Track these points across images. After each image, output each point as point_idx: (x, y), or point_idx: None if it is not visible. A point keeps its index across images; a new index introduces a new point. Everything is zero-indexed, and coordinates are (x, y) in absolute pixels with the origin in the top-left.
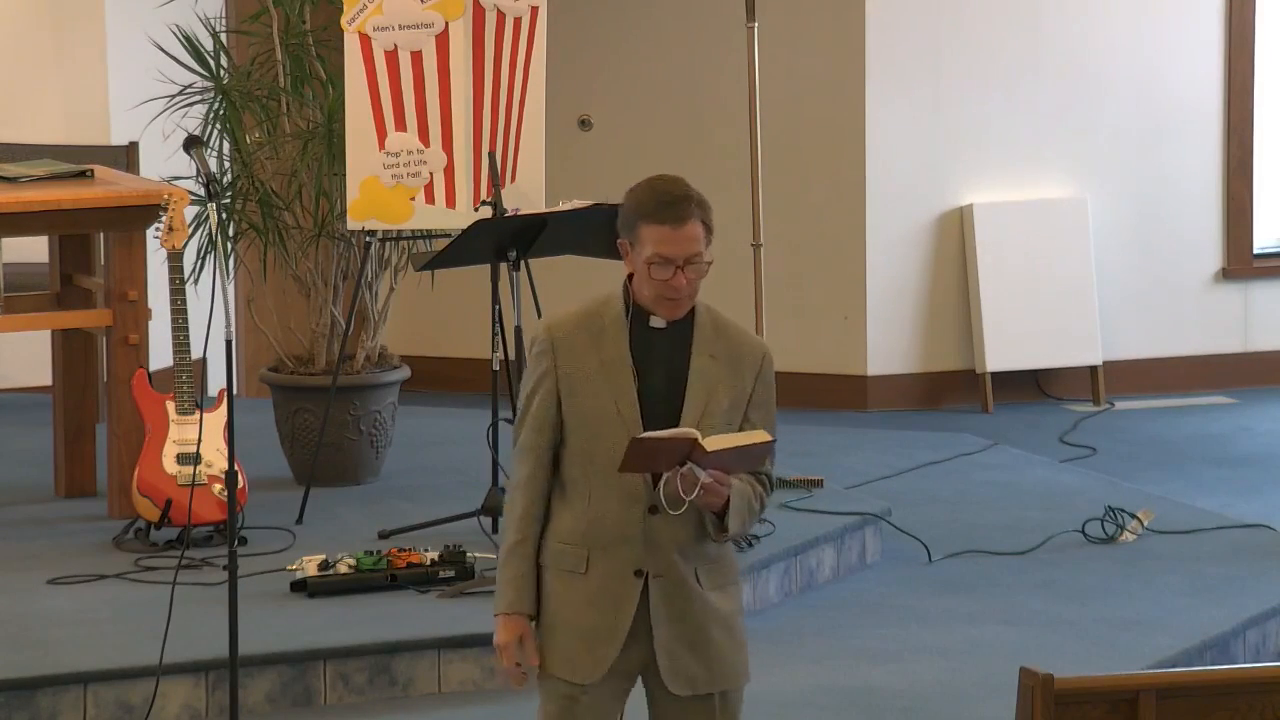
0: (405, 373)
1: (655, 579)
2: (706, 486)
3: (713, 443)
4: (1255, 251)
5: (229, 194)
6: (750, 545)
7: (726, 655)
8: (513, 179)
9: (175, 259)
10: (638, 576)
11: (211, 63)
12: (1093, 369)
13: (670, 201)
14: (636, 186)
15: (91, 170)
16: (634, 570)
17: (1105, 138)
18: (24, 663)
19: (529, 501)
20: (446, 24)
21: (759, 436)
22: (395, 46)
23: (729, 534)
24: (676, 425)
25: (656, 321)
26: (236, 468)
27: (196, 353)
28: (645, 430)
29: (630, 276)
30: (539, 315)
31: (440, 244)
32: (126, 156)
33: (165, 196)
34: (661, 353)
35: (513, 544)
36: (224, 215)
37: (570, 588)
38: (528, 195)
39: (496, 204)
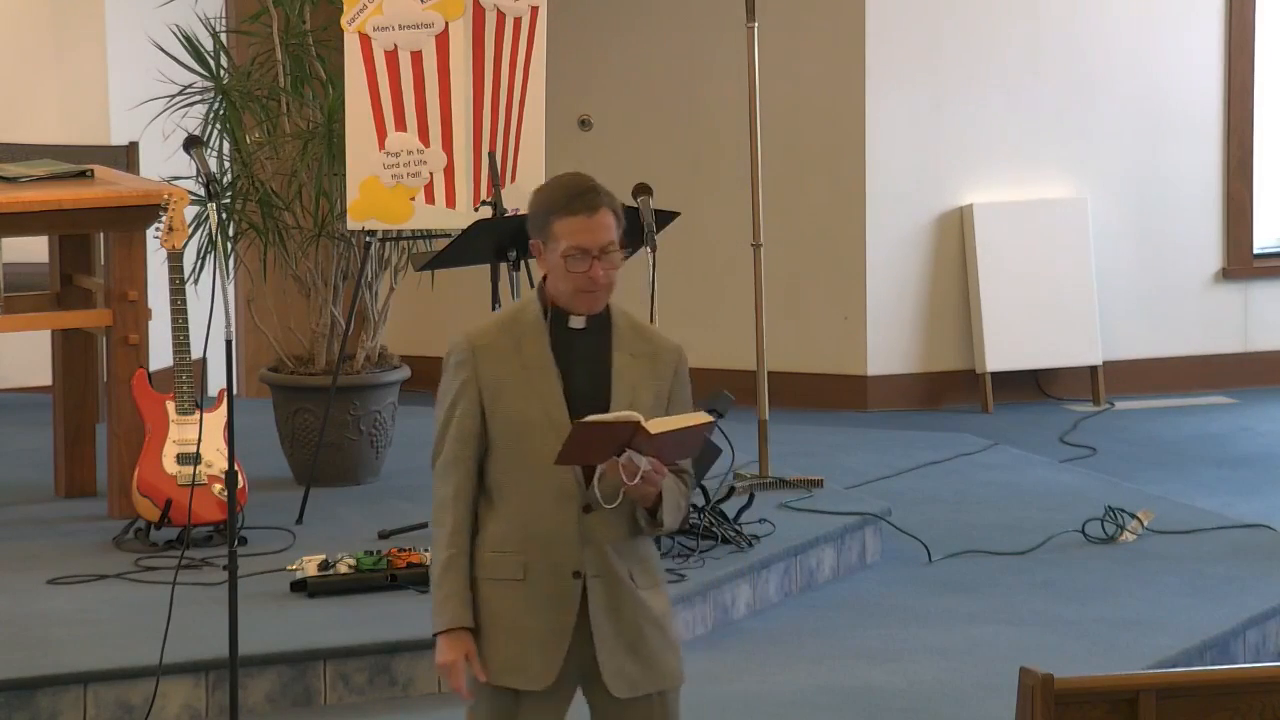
0: (405, 373)
1: (593, 579)
2: (646, 475)
3: (656, 425)
4: (1255, 251)
5: (229, 194)
6: (750, 545)
7: (661, 655)
8: (513, 179)
9: (175, 259)
10: (576, 578)
11: (211, 63)
12: (1093, 369)
13: (580, 193)
14: (542, 186)
15: (91, 170)
16: (572, 572)
17: (1105, 138)
18: (24, 663)
19: (459, 516)
20: (446, 24)
21: (700, 418)
22: (395, 46)
23: (663, 528)
24: None
25: (576, 322)
26: (236, 468)
27: (196, 353)
28: None
29: (544, 280)
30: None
31: (440, 244)
32: (126, 156)
33: (165, 196)
34: (583, 353)
35: (447, 560)
36: (224, 215)
37: (510, 595)
38: (528, 195)
39: (496, 204)
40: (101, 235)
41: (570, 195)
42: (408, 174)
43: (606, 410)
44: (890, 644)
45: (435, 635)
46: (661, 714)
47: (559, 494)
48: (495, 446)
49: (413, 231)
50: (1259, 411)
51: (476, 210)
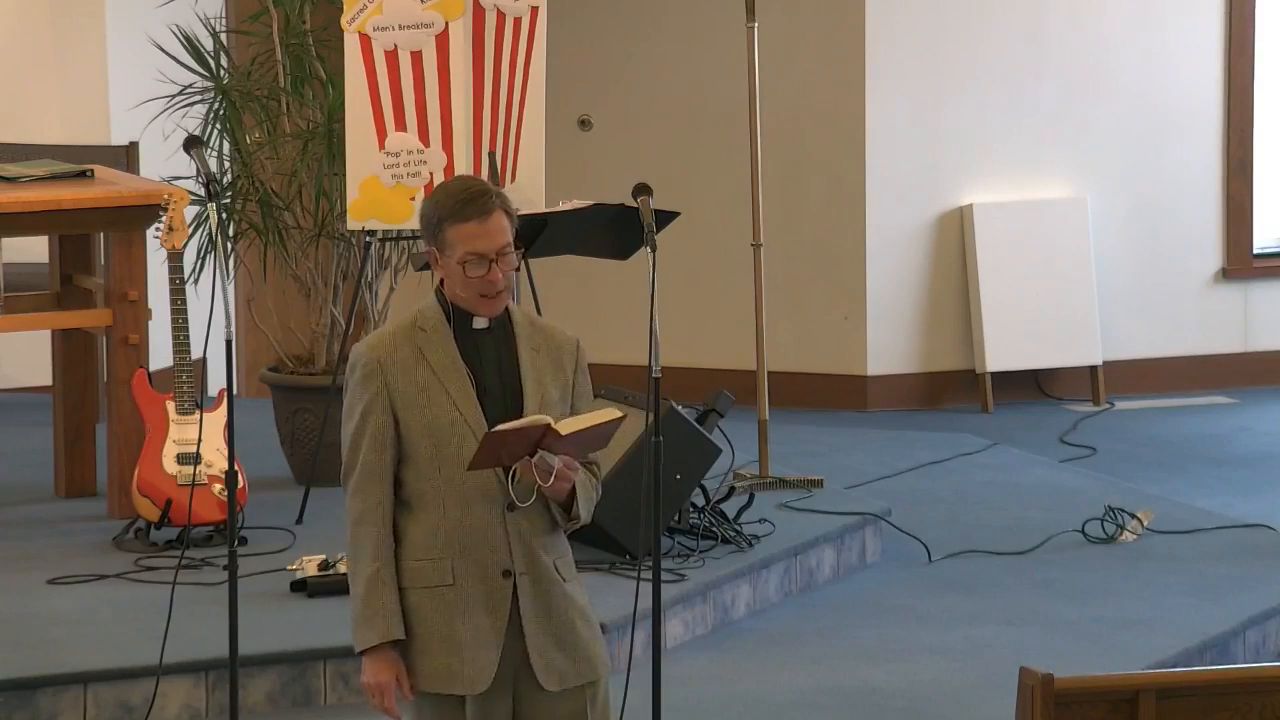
0: None
1: (522, 577)
2: (559, 472)
3: (566, 426)
4: (1255, 251)
5: (229, 194)
6: (750, 545)
7: (590, 646)
8: (513, 179)
9: (175, 259)
10: (506, 577)
11: (211, 63)
12: (1093, 369)
13: (471, 198)
14: (432, 193)
15: (91, 170)
16: (502, 571)
17: (1105, 138)
18: (24, 663)
19: (381, 528)
20: (446, 24)
21: (607, 414)
22: (395, 46)
23: (578, 522)
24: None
25: (479, 322)
26: (236, 468)
27: (196, 353)
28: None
29: (440, 284)
30: (538, 314)
31: None
32: (126, 156)
33: (165, 196)
34: (489, 353)
35: (374, 573)
36: (224, 215)
37: (439, 602)
38: (528, 195)
39: None
40: (101, 235)
41: (462, 201)
42: (408, 174)
43: (520, 408)
44: (890, 644)
45: (360, 653)
46: (592, 704)
47: (482, 495)
48: (412, 455)
49: (413, 231)
50: (1259, 411)
51: None
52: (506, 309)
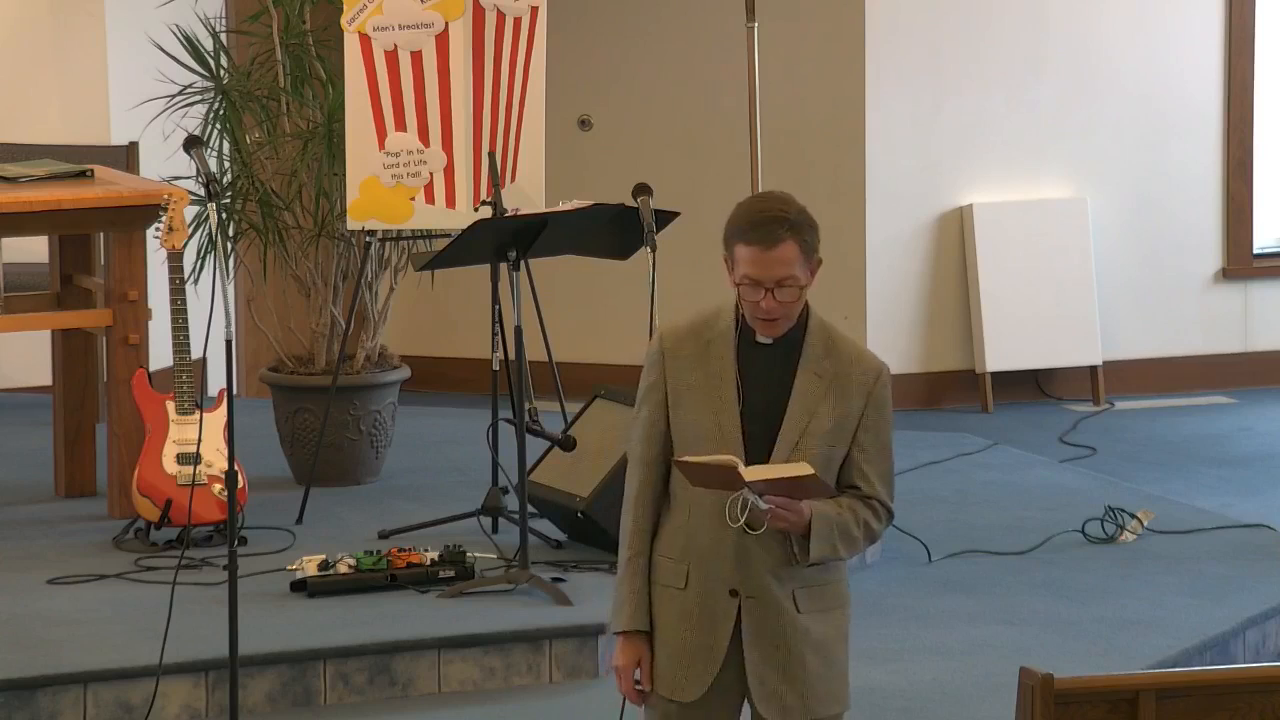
0: (405, 373)
1: (748, 600)
2: (772, 515)
3: (751, 473)
4: (1255, 251)
5: (229, 194)
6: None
7: (821, 682)
8: (513, 179)
9: (175, 259)
10: (733, 596)
11: (211, 63)
12: (1093, 369)
13: (761, 222)
14: (741, 202)
15: (91, 170)
16: (729, 590)
17: (1105, 138)
18: (24, 663)
19: (639, 515)
20: (446, 24)
21: (800, 469)
22: (395, 46)
23: (811, 558)
24: (774, 444)
25: (764, 337)
26: (236, 468)
27: (196, 353)
28: (744, 448)
29: None
30: (539, 315)
31: (440, 244)
32: (126, 156)
33: (165, 196)
34: (766, 369)
35: (628, 559)
36: (224, 215)
37: (669, 603)
38: (528, 195)
39: (496, 204)
40: (101, 235)
41: (752, 223)
42: (408, 174)
43: (778, 429)
44: (890, 644)
45: (615, 634)
46: None
47: (720, 510)
48: (674, 451)
49: (413, 231)
50: (1259, 411)
51: (476, 210)
52: (806, 326)
